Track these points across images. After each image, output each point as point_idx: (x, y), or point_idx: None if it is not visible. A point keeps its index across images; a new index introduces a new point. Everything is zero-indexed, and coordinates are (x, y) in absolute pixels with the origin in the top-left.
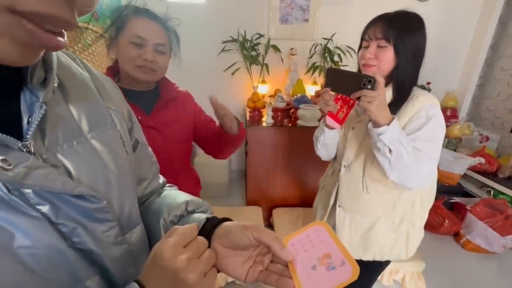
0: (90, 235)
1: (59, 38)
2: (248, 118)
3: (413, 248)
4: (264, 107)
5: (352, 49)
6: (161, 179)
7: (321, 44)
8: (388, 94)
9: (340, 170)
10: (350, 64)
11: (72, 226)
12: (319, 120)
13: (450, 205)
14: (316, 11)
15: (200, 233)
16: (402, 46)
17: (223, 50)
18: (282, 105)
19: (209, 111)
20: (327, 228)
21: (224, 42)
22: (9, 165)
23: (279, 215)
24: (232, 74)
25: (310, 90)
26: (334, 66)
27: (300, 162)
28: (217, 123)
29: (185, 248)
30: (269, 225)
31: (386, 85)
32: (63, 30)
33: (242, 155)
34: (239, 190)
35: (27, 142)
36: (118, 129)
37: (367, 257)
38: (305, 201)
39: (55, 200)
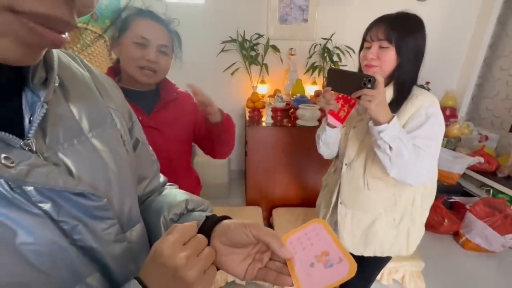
0: (90, 232)
1: (60, 35)
2: (247, 118)
3: (413, 245)
4: (263, 107)
5: (352, 49)
6: (162, 178)
7: (320, 44)
8: (388, 93)
9: (342, 168)
10: (349, 64)
11: (73, 223)
12: (318, 120)
13: (450, 205)
14: (315, 11)
15: (200, 231)
16: (404, 47)
17: (222, 50)
18: (281, 105)
19: None
20: (325, 226)
21: (223, 42)
22: (12, 162)
23: (279, 215)
24: (232, 74)
25: (310, 90)
26: (334, 66)
27: (300, 162)
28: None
29: (184, 245)
30: (269, 225)
31: (387, 84)
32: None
33: (241, 155)
34: (238, 190)
35: (29, 141)
36: (118, 128)
37: (368, 253)
38: (305, 200)
39: (56, 198)
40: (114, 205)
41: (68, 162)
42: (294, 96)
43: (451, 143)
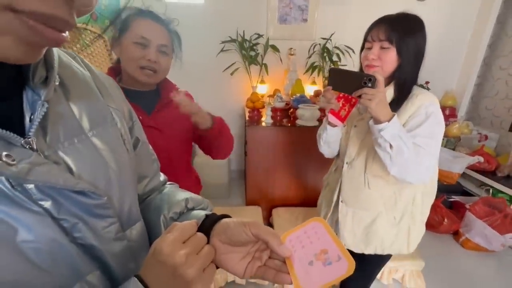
0: (91, 230)
1: (61, 33)
2: (247, 118)
3: (414, 243)
4: (263, 107)
5: (351, 48)
6: (162, 176)
7: (320, 44)
8: (389, 93)
9: (342, 167)
10: (348, 64)
11: (74, 221)
12: (318, 120)
13: (449, 204)
14: (314, 11)
15: (200, 229)
16: (404, 48)
17: (222, 50)
18: (281, 105)
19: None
20: (324, 225)
21: (223, 42)
22: (13, 160)
23: (278, 214)
24: (231, 74)
25: (309, 90)
26: (335, 66)
27: (300, 162)
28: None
29: (184, 244)
30: (269, 225)
31: (387, 84)
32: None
33: (241, 155)
34: (238, 190)
35: (29, 139)
36: (118, 127)
37: (368, 250)
38: (305, 200)
39: (57, 196)
40: (114, 204)
41: (69, 160)
42: (294, 96)
43: (450, 142)
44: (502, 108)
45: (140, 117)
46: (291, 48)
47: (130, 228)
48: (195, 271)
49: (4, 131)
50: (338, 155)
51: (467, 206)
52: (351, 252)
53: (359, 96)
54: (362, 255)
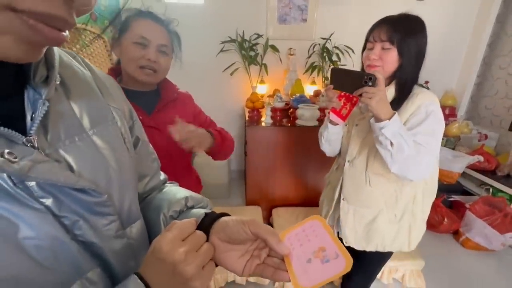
0: (91, 228)
1: (61, 32)
2: (247, 118)
3: (415, 241)
4: (263, 107)
5: (351, 48)
6: (162, 175)
7: (319, 44)
8: (390, 92)
9: (344, 165)
10: (348, 64)
11: (74, 219)
12: (318, 120)
13: (449, 204)
14: (314, 11)
15: (199, 227)
16: (406, 48)
17: (221, 51)
18: (281, 105)
19: (209, 112)
20: (323, 223)
21: (222, 42)
22: (15, 158)
23: (278, 214)
24: (231, 74)
25: (309, 89)
26: (336, 66)
27: (300, 162)
28: (217, 124)
29: (183, 241)
30: (269, 225)
31: (388, 84)
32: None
33: (241, 155)
34: (238, 190)
35: (31, 138)
36: (118, 126)
37: (370, 248)
38: (305, 200)
39: (58, 194)
40: (115, 202)
41: (69, 158)
42: (294, 96)
43: (450, 142)
44: (501, 107)
45: (140, 117)
46: (291, 48)
47: (130, 226)
48: (194, 269)
49: (6, 129)
50: (339, 153)
51: (467, 205)
52: (353, 250)
53: (360, 95)
54: (364, 252)
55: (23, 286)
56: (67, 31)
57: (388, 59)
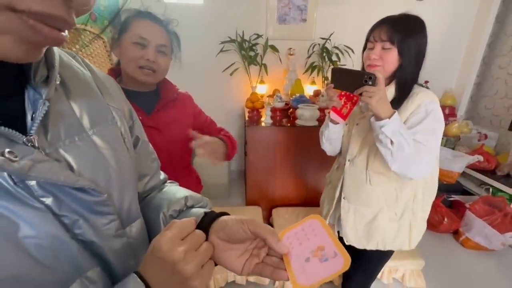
0: (91, 227)
1: (60, 32)
2: (247, 118)
3: (415, 240)
4: (262, 107)
5: (350, 48)
6: (162, 175)
7: (319, 44)
8: (390, 91)
9: (345, 164)
10: (348, 64)
11: (74, 218)
12: (318, 120)
13: (449, 203)
14: (313, 11)
15: (198, 227)
16: (405, 48)
17: (221, 51)
18: (280, 105)
19: (209, 112)
20: (322, 222)
21: (222, 42)
22: (15, 157)
23: (278, 214)
24: (231, 74)
25: (309, 89)
26: (337, 66)
27: (299, 162)
28: (217, 124)
29: (182, 240)
30: (269, 225)
31: (389, 83)
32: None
33: (241, 155)
34: (238, 190)
35: (31, 137)
36: (118, 126)
37: (370, 246)
38: (305, 200)
39: (58, 193)
40: (114, 201)
41: (69, 158)
42: (293, 96)
43: (450, 142)
44: (501, 107)
45: (140, 117)
46: (291, 48)
47: (130, 225)
48: (193, 267)
49: (6, 128)
50: (340, 153)
51: (467, 205)
52: (353, 248)
53: (360, 94)
54: (364, 251)
55: (23, 285)
56: (66, 31)
57: (388, 59)
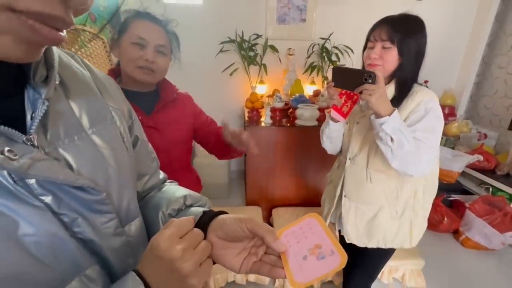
0: (90, 225)
1: (59, 32)
2: (246, 118)
3: (416, 238)
4: (262, 107)
5: (350, 48)
6: (162, 174)
7: (318, 44)
8: (390, 90)
9: (345, 163)
10: (347, 63)
11: (73, 216)
12: (317, 120)
13: (449, 203)
14: (313, 11)
15: (197, 225)
16: (406, 47)
17: (221, 51)
18: (280, 105)
19: (208, 112)
20: (319, 220)
21: (222, 43)
22: (15, 155)
23: (278, 214)
24: (230, 74)
25: (308, 89)
26: (338, 65)
27: (299, 162)
28: (218, 124)
29: (181, 239)
30: (269, 225)
31: (389, 82)
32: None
33: None
34: (238, 190)
35: (31, 136)
36: (117, 125)
37: (371, 244)
38: (305, 200)
39: (57, 191)
40: (113, 200)
41: (68, 157)
42: (293, 96)
43: (450, 141)
44: (501, 106)
45: (140, 118)
46: (290, 48)
47: (129, 224)
48: (191, 266)
49: (6, 128)
50: (340, 151)
51: (467, 204)
52: (355, 247)
53: (361, 92)
54: (365, 249)
55: (23, 283)
56: (64, 31)
57: (388, 58)
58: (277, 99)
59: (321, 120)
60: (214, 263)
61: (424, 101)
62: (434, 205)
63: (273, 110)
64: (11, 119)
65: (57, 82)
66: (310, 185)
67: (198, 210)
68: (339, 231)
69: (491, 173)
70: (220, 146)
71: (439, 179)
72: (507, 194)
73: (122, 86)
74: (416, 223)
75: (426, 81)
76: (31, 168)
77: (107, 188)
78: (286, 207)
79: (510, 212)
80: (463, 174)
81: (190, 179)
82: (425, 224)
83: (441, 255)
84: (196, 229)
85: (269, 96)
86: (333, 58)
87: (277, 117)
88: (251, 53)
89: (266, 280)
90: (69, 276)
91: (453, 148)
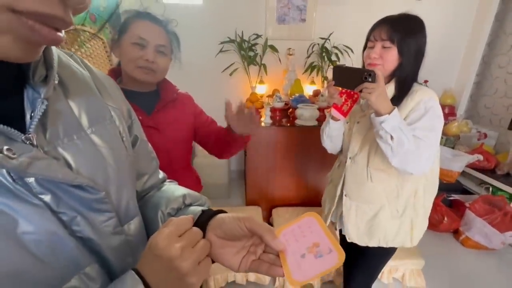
0: (89, 224)
1: (58, 33)
2: None
3: (417, 237)
4: (262, 107)
5: (350, 48)
6: (161, 174)
7: (318, 44)
8: (390, 89)
9: (346, 162)
10: (347, 63)
11: (72, 215)
12: (317, 120)
13: (449, 203)
14: (313, 11)
15: (196, 224)
16: (405, 47)
17: (221, 51)
18: (280, 105)
19: (208, 112)
20: (318, 219)
21: (221, 43)
22: (14, 154)
23: (278, 214)
24: (230, 74)
25: (308, 89)
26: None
27: (299, 161)
28: (218, 123)
29: (179, 237)
30: (269, 225)
31: (389, 81)
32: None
33: (241, 155)
34: (238, 191)
35: (30, 135)
36: (117, 125)
37: (372, 243)
38: (305, 200)
39: (56, 190)
40: (112, 199)
41: (68, 156)
42: (293, 96)
43: (450, 141)
44: (501, 106)
45: (140, 117)
46: (290, 48)
47: (128, 223)
48: (190, 264)
49: (5, 127)
50: (341, 151)
51: (467, 204)
52: (356, 246)
53: (361, 91)
54: (367, 248)
55: (22, 281)
56: (63, 32)
57: (388, 58)
58: (277, 99)
59: (321, 120)
60: (213, 262)
61: (424, 100)
62: (434, 205)
63: (273, 110)
64: (10, 118)
65: (56, 82)
66: (310, 185)
67: (197, 209)
68: (340, 230)
69: (491, 172)
70: (220, 142)
71: (439, 178)
72: (507, 193)
73: (122, 86)
74: (417, 222)
75: (426, 81)
76: (30, 167)
77: (106, 187)
78: (286, 207)
79: (510, 211)
80: (463, 173)
81: (190, 179)
82: (426, 223)
83: (441, 254)
84: (195, 228)
85: (269, 96)
86: (333, 58)
87: (277, 117)
88: (251, 53)
89: (266, 280)
90: (68, 275)
91: (453, 148)
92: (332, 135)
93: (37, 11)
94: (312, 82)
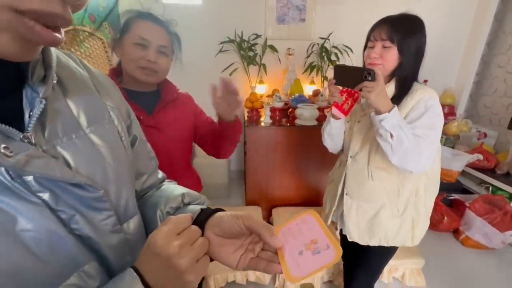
0: (88, 222)
1: (57, 34)
2: (246, 118)
3: (418, 236)
4: (262, 107)
5: (349, 48)
6: (160, 174)
7: (318, 44)
8: (390, 89)
9: (346, 161)
10: (347, 63)
11: (71, 213)
12: (317, 119)
13: (449, 202)
14: (312, 11)
15: (194, 223)
16: (405, 47)
17: (220, 51)
18: (280, 104)
19: (208, 112)
20: (316, 217)
21: (221, 43)
22: (11, 152)
23: (278, 214)
24: (230, 74)
25: (308, 89)
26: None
27: (299, 161)
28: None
29: (178, 235)
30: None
31: (389, 81)
32: (59, 26)
33: (241, 155)
34: (238, 190)
35: (28, 134)
36: (115, 124)
37: (373, 242)
38: (305, 200)
39: (54, 188)
40: (111, 198)
41: (66, 155)
42: (293, 96)
43: (450, 140)
44: (500, 105)
45: (141, 117)
46: (290, 48)
47: (127, 221)
48: (188, 262)
49: (3, 125)
50: (342, 150)
51: (467, 204)
52: (357, 246)
53: (361, 90)
54: (368, 247)
55: (21, 279)
56: (63, 32)
57: (388, 57)
58: (277, 99)
59: (320, 119)
60: (211, 260)
61: (424, 98)
62: (434, 205)
63: (273, 110)
64: (9, 117)
65: (55, 82)
66: (310, 184)
67: (196, 208)
68: (341, 230)
69: (491, 172)
70: (215, 137)
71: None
72: (507, 193)
73: (123, 86)
74: (418, 221)
75: (425, 81)
76: (27, 165)
77: (105, 185)
78: (286, 207)
79: (510, 211)
80: (463, 173)
81: (191, 179)
82: (427, 222)
83: (441, 254)
84: (194, 226)
85: (268, 96)
86: (333, 57)
87: (277, 117)
88: (251, 53)
89: (266, 280)
90: (67, 272)
91: (453, 148)
92: (333, 133)
93: (38, 9)
94: (312, 82)
